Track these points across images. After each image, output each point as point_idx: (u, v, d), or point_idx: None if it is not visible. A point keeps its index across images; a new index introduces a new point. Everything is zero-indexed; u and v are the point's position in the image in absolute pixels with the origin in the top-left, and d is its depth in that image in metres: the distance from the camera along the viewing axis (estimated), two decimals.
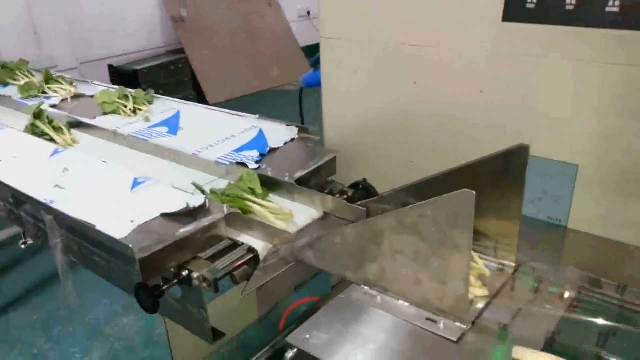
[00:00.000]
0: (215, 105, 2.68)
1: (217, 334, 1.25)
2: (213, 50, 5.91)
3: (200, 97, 5.59)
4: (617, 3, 1.10)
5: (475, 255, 1.13)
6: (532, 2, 1.19)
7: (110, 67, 5.27)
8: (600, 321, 1.01)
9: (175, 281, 1.21)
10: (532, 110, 1.27)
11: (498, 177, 1.10)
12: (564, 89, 1.22)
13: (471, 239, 0.89)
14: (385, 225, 1.00)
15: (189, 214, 1.28)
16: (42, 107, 2.05)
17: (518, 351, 0.91)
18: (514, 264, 1.14)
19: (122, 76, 5.05)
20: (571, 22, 1.16)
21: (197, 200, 1.31)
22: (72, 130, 1.91)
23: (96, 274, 1.53)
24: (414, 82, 1.43)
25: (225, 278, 1.23)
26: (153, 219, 1.26)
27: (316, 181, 1.55)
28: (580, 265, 1.18)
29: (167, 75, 5.39)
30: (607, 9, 1.11)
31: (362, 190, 1.57)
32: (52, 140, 1.78)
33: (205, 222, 1.25)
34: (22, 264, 3.10)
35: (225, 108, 1.98)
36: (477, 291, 1.08)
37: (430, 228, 0.93)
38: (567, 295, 1.08)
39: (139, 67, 5.15)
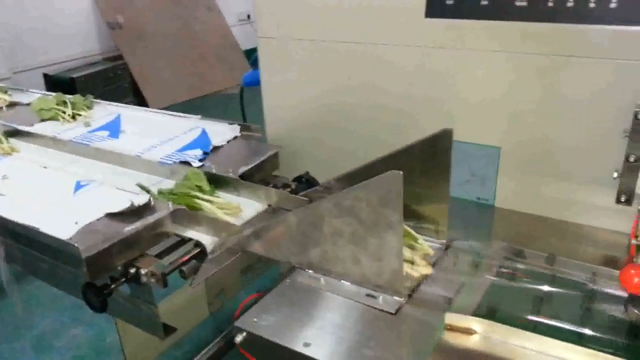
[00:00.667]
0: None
1: (168, 329, 1.28)
2: (153, 56, 5.83)
3: (141, 104, 5.49)
4: None
5: (420, 237, 1.20)
6: None
7: (46, 75, 5.11)
8: (533, 286, 1.10)
9: (124, 279, 1.23)
10: (457, 99, 1.37)
11: (427, 161, 1.18)
12: (482, 78, 1.32)
13: (402, 217, 0.96)
14: (324, 210, 1.06)
15: (134, 213, 1.30)
16: None
17: (451, 317, 0.99)
18: (445, 242, 1.23)
19: (58, 84, 4.91)
20: (485, 16, 1.26)
21: (141, 199, 1.33)
22: (10, 139, 1.88)
23: (42, 280, 1.52)
24: (348, 76, 1.50)
25: (175, 275, 1.27)
26: (98, 219, 1.28)
27: (260, 176, 1.59)
28: (507, 239, 1.28)
29: (106, 82, 5.28)
30: (517, 3, 1.22)
31: (305, 183, 1.64)
32: None
33: (150, 219, 1.27)
34: None
35: None
36: (423, 270, 1.13)
37: (365, 209, 1.00)
38: (496, 265, 1.17)
39: (75, 75, 5.02)
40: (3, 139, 1.82)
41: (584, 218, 1.29)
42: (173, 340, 1.44)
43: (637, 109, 1.12)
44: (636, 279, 0.85)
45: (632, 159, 1.15)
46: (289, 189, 1.53)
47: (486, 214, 1.42)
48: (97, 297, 1.20)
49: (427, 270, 1.14)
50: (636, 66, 1.14)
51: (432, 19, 1.32)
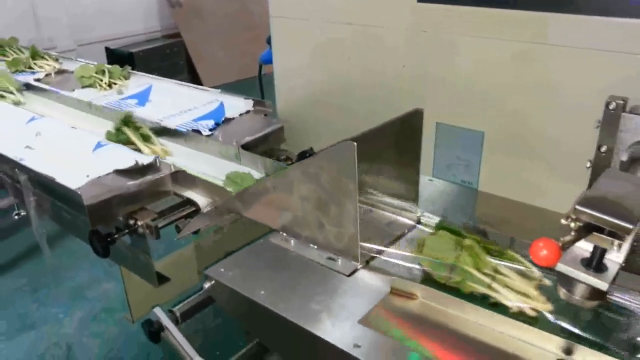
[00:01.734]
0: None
1: (162, 279, 1.42)
2: (209, 35, 6.05)
3: (195, 81, 5.73)
4: None
5: (531, 266, 1.03)
6: None
7: (107, 49, 5.43)
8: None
9: (126, 230, 1.37)
10: (445, 82, 1.41)
11: (400, 141, 1.24)
12: (469, 63, 1.36)
13: (356, 186, 1.04)
14: (293, 176, 1.15)
15: (139, 171, 1.44)
16: (28, 80, 2.23)
17: (396, 282, 1.06)
18: (416, 220, 1.29)
19: (117, 58, 5.21)
20: (476, 3, 1.29)
21: (147, 159, 1.47)
22: (53, 103, 2.08)
23: (62, 228, 1.70)
24: (348, 57, 1.57)
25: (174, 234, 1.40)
26: (107, 174, 1.42)
27: (264, 148, 1.70)
28: (488, 223, 1.33)
29: (162, 58, 5.55)
30: None
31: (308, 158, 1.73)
32: (138, 150, 1.62)
33: (151, 177, 1.41)
34: (16, 234, 3.28)
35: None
36: (541, 306, 0.95)
37: (325, 177, 1.08)
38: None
39: (134, 50, 5.31)
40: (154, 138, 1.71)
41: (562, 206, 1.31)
42: (171, 296, 1.55)
43: (609, 100, 1.13)
44: (544, 252, 0.88)
45: (603, 149, 1.17)
46: (289, 162, 1.63)
47: (470, 198, 1.46)
48: (101, 244, 1.35)
49: (547, 307, 0.95)
50: (610, 57, 1.15)
51: (424, 4, 1.36)
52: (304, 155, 1.70)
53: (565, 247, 0.88)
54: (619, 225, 0.80)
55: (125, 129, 1.66)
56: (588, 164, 1.21)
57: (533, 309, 0.95)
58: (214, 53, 6.03)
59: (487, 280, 1.01)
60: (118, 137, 1.66)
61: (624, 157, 1.14)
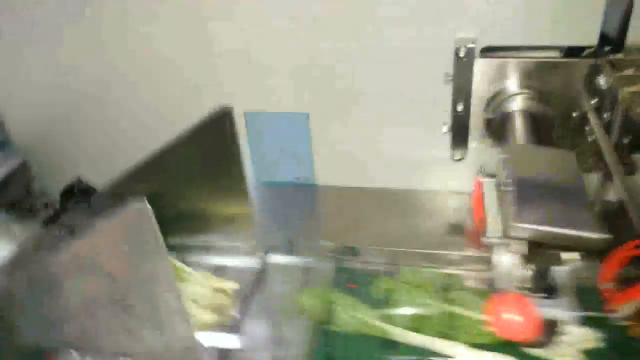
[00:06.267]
0: None
1: None
2: None
3: None
4: None
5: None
6: None
7: None
8: None
9: None
10: (247, 62, 1.04)
11: (213, 151, 0.86)
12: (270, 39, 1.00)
13: (168, 263, 0.64)
14: (57, 267, 0.69)
15: None
16: None
17: None
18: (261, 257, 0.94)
19: None
20: None
21: None
22: None
23: None
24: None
25: None
26: None
27: (8, 199, 1.16)
28: (338, 229, 1.04)
29: None
30: None
31: (79, 195, 1.23)
32: None
33: None
34: None
35: None
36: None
37: (113, 259, 0.65)
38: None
39: None
40: None
41: (422, 183, 1.08)
42: None
43: (458, 45, 0.89)
44: (505, 315, 0.62)
45: (459, 108, 0.94)
46: (52, 212, 1.13)
47: (310, 198, 1.15)
48: None
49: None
50: None
51: None
52: (70, 192, 1.19)
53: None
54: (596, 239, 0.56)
55: None
56: (445, 129, 0.98)
57: None
58: None
59: None
60: None
61: (490, 114, 0.92)
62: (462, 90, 0.92)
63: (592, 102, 0.87)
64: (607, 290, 0.68)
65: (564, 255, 0.67)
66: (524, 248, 0.63)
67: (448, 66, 0.91)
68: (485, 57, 0.90)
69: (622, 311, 0.66)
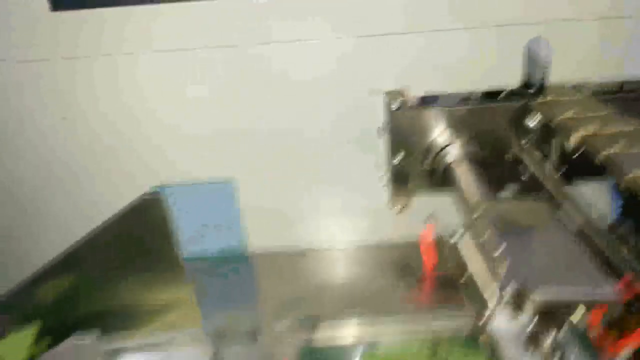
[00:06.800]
0: None
1: None
2: None
3: None
4: None
5: None
6: None
7: None
8: None
9: None
10: (170, 131, 0.94)
11: (146, 238, 0.76)
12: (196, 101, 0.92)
13: None
14: None
15: None
16: None
17: None
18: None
19: None
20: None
21: None
22: None
23: None
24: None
25: None
26: None
27: None
28: (277, 301, 0.95)
29: None
30: None
31: None
32: None
33: None
34: None
35: None
36: None
37: None
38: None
39: None
40: None
41: (364, 238, 1.04)
42: None
43: (387, 99, 0.86)
44: None
45: (397, 159, 0.91)
46: None
47: (246, 272, 1.06)
48: None
49: None
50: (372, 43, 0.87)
51: (61, 12, 0.83)
52: None
53: None
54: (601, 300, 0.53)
55: None
56: (383, 182, 0.94)
57: None
58: None
59: None
60: None
61: (428, 164, 0.90)
62: (396, 142, 0.90)
63: (522, 142, 0.88)
64: (599, 337, 0.66)
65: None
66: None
67: (379, 121, 0.89)
68: (416, 108, 0.89)
69: (620, 358, 0.64)
